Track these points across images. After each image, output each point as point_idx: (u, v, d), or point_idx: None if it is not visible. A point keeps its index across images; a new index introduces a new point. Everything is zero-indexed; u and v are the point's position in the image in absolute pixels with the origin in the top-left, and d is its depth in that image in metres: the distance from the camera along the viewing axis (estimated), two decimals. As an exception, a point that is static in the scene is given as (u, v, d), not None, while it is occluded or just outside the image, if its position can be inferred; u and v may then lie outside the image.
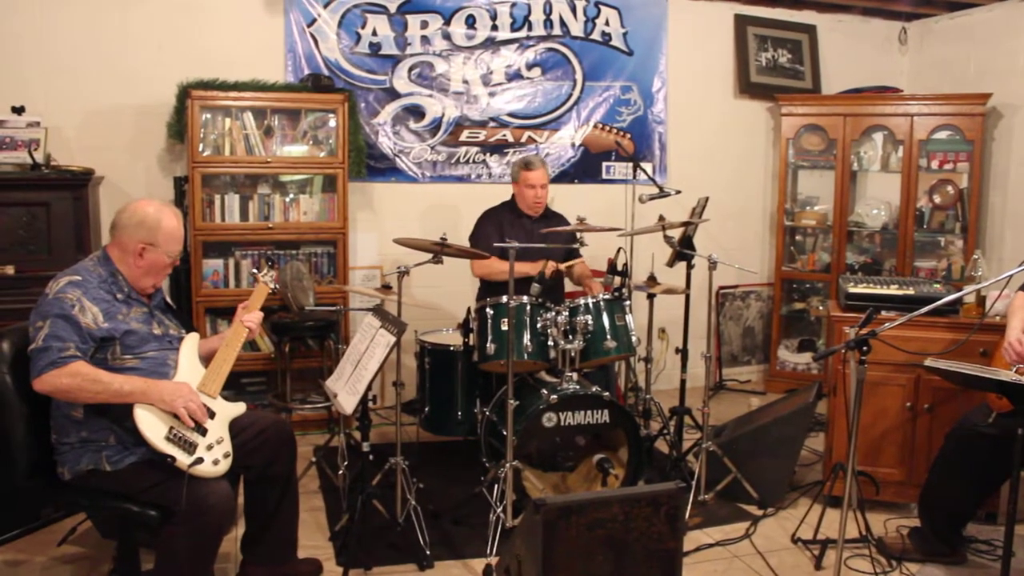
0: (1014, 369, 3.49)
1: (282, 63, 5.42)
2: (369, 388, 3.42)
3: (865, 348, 3.15)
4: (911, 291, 4.14)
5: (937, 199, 6.25)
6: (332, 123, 5.25)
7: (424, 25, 5.70)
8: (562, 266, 4.64)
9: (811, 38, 6.79)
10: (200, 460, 2.83)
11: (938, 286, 4.24)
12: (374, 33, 5.59)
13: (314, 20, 5.44)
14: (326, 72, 5.46)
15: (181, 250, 3.18)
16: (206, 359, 3.20)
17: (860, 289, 4.20)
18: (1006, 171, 6.13)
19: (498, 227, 4.77)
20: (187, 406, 2.88)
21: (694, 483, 4.23)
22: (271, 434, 3.25)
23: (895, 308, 3.99)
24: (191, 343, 3.18)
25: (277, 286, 3.52)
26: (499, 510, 3.77)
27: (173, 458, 2.79)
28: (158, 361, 3.02)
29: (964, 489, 3.66)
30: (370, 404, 4.19)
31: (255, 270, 3.59)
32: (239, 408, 3.16)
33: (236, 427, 3.11)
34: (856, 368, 3.16)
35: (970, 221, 6.05)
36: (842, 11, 6.80)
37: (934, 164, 6.18)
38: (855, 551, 3.77)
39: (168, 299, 3.43)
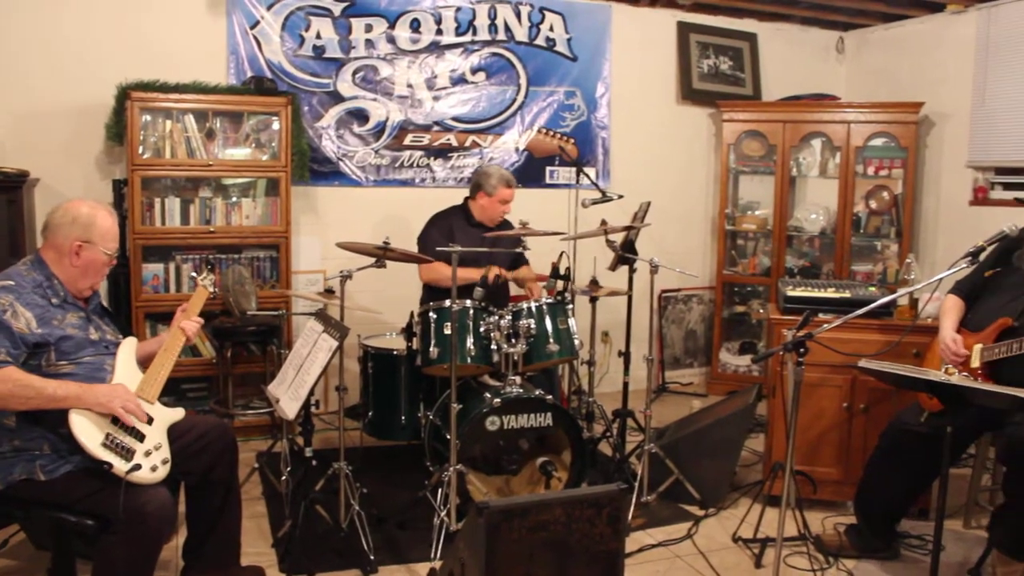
0: (943, 369, 3.59)
1: (224, 65, 5.37)
2: (311, 393, 3.41)
3: (802, 350, 3.21)
4: (847, 294, 4.24)
5: (873, 204, 6.40)
6: (275, 126, 5.21)
7: (368, 28, 5.69)
8: (507, 274, 4.66)
9: (752, 46, 6.90)
10: (138, 466, 2.79)
11: (873, 289, 4.35)
12: (318, 36, 5.56)
13: (257, 22, 5.40)
14: (269, 75, 5.42)
15: (117, 248, 3.14)
16: (144, 364, 3.16)
17: (798, 292, 4.29)
18: (938, 177, 6.31)
19: (448, 232, 4.76)
20: (125, 406, 2.84)
21: (637, 485, 4.27)
22: (212, 439, 3.22)
23: (832, 311, 4.07)
24: (128, 348, 3.14)
25: (217, 290, 3.48)
26: (443, 514, 3.77)
27: (110, 464, 2.74)
28: (94, 366, 2.98)
29: (897, 486, 3.75)
30: (313, 409, 4.15)
31: (194, 274, 3.55)
32: (178, 413, 3.12)
33: (176, 432, 3.07)
34: (794, 370, 3.22)
35: (904, 226, 6.21)
36: (782, 20, 6.93)
37: (870, 170, 6.33)
38: (794, 549, 3.84)
39: (104, 303, 3.37)
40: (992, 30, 5.88)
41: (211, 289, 3.44)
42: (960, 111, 6.10)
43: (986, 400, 3.10)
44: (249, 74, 5.36)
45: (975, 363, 3.54)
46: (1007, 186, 5.92)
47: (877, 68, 6.90)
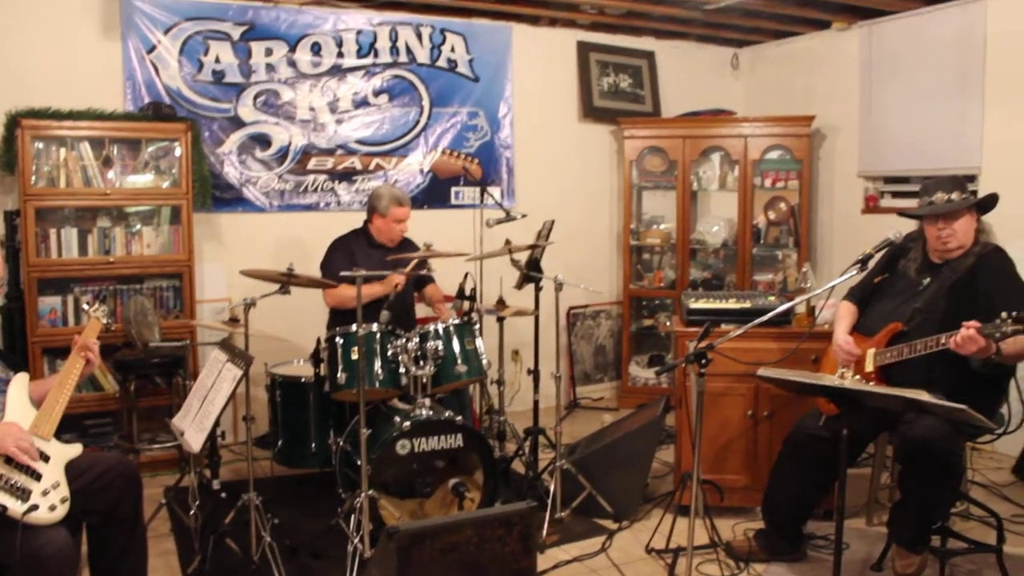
0: (838, 374, 3.72)
1: (121, 91, 5.25)
2: (217, 424, 3.36)
3: (704, 361, 3.29)
4: (748, 304, 4.35)
5: (772, 215, 6.60)
6: (175, 153, 5.12)
7: (268, 52, 5.64)
8: (406, 271, 4.63)
9: (650, 63, 7.05)
10: (35, 507, 2.70)
11: (772, 298, 4.46)
12: (217, 60, 5.49)
13: (154, 47, 5.30)
14: (168, 100, 5.32)
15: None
16: (40, 402, 3.06)
17: (700, 304, 4.38)
18: (831, 188, 6.54)
19: (349, 255, 4.74)
20: (18, 444, 2.75)
21: (550, 501, 4.29)
22: (114, 476, 3.12)
23: (734, 321, 4.14)
24: (19, 384, 3.04)
25: (110, 321, 3.39)
26: (356, 540, 3.74)
27: (5, 507, 2.65)
28: (-17, 406, 2.88)
29: (801, 489, 3.85)
30: (219, 440, 4.08)
31: (85, 306, 3.45)
32: (75, 449, 3.03)
33: (75, 470, 2.97)
34: (696, 380, 3.30)
35: (802, 235, 6.41)
36: (679, 38, 7.09)
37: (768, 182, 6.52)
38: (706, 557, 3.91)
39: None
40: (874, 46, 6.14)
41: (104, 320, 3.35)
42: (849, 123, 6.35)
43: (879, 402, 3.22)
44: (147, 100, 5.25)
45: (869, 367, 3.67)
46: (895, 194, 6.18)
47: (771, 83, 7.12)
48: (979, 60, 5.45)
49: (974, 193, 4.01)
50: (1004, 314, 3.13)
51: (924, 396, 2.93)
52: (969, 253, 3.64)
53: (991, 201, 3.70)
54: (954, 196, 3.60)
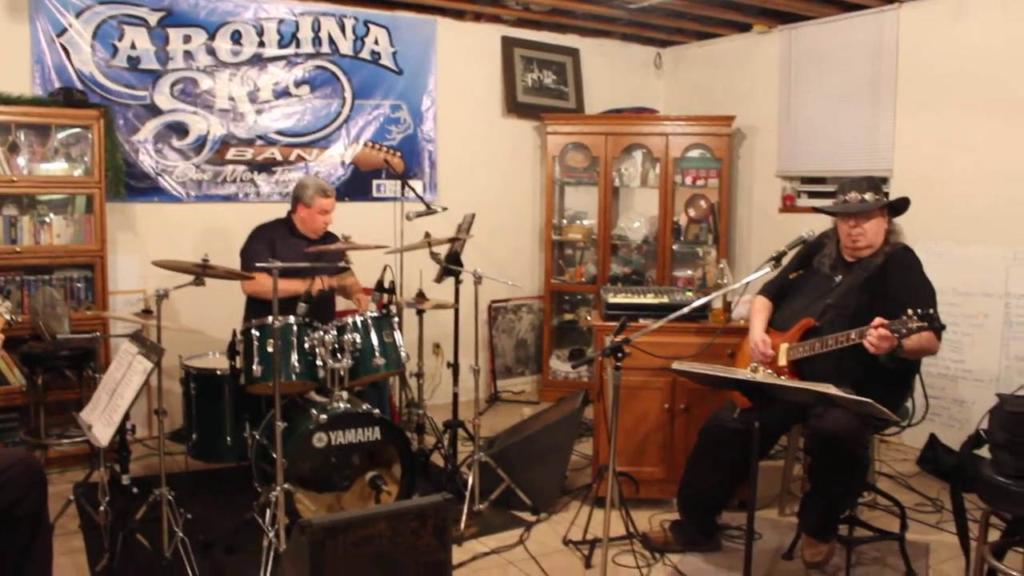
0: (750, 368, 3.80)
1: (28, 74, 5.06)
2: (127, 417, 3.28)
3: (620, 355, 3.32)
4: (666, 299, 4.41)
5: (692, 212, 6.69)
6: (88, 140, 4.98)
7: (187, 39, 5.52)
8: (331, 281, 4.61)
9: (575, 60, 7.09)
10: (-70, 504, 2.60)
11: (690, 294, 4.53)
12: (132, 46, 5.35)
13: (65, 30, 5.14)
14: (80, 86, 5.16)
15: None
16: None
17: (619, 299, 4.43)
18: (751, 186, 6.66)
19: (270, 244, 4.66)
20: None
21: (468, 494, 4.29)
22: (15, 473, 3.02)
23: (651, 315, 4.21)
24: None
25: (12, 318, 3.28)
26: (271, 535, 3.69)
27: None
28: None
29: (716, 481, 3.91)
30: (129, 435, 3.99)
31: (-15, 301, 3.31)
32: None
33: (-28, 467, 2.88)
34: (612, 374, 3.33)
35: (721, 232, 6.52)
36: (603, 36, 7.15)
37: (688, 180, 6.62)
38: (622, 548, 3.95)
39: None
40: (793, 50, 6.27)
41: (7, 317, 3.23)
42: (769, 124, 6.47)
43: (790, 395, 3.29)
44: (57, 85, 5.09)
45: (782, 361, 3.76)
46: (812, 194, 6.32)
47: (693, 83, 7.22)
48: (892, 66, 5.61)
49: (887, 195, 4.13)
50: (910, 311, 3.24)
51: (832, 389, 3.00)
52: (879, 252, 3.75)
53: (903, 204, 3.82)
54: (867, 196, 3.70)
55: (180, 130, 5.55)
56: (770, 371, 3.74)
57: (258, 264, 3.87)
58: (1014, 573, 2.99)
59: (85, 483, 4.43)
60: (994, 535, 3.24)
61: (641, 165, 6.74)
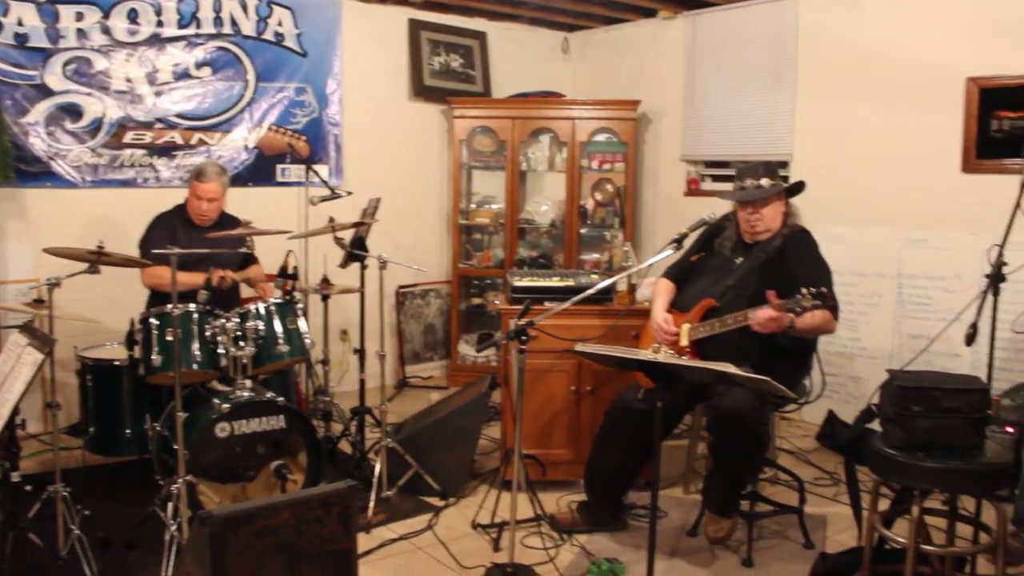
0: (652, 348, 3.85)
1: (-97, 52, 4.84)
2: (16, 412, 3.16)
3: (524, 338, 3.33)
4: (571, 282, 4.43)
5: (599, 196, 6.75)
6: (-29, 122, 4.77)
7: (80, 17, 5.30)
8: (234, 276, 4.50)
9: (482, 44, 7.06)
10: None
11: (596, 276, 4.56)
12: (20, 23, 5.11)
13: (-57, 5, 4.91)
14: (-39, 64, 4.94)
15: None
16: None
17: (524, 282, 4.44)
18: (656, 170, 6.75)
19: (170, 232, 4.51)
20: None
21: (376, 481, 4.25)
22: None
23: (557, 298, 4.18)
24: None
25: None
26: (173, 528, 3.60)
27: None
28: None
29: (621, 461, 3.97)
30: (19, 431, 3.85)
31: None
32: None
33: None
34: (517, 357, 3.34)
35: (627, 216, 6.60)
36: (510, 20, 7.13)
37: (595, 164, 6.67)
38: (530, 530, 3.98)
39: None
40: (698, 36, 6.36)
41: None
42: (673, 109, 6.56)
43: (691, 375, 3.34)
44: (-63, 63, 4.86)
45: (684, 341, 3.82)
46: (715, 178, 6.44)
47: (599, 68, 7.27)
48: (792, 54, 5.74)
49: (785, 179, 4.22)
50: (804, 290, 3.33)
51: (731, 368, 3.06)
52: (777, 235, 3.84)
53: (798, 188, 3.92)
54: (763, 182, 3.78)
55: (74, 112, 5.34)
56: (672, 351, 3.80)
57: (154, 251, 3.76)
58: (901, 539, 3.10)
59: (-26, 481, 4.27)
60: (884, 505, 3.35)
61: (548, 149, 6.76)
